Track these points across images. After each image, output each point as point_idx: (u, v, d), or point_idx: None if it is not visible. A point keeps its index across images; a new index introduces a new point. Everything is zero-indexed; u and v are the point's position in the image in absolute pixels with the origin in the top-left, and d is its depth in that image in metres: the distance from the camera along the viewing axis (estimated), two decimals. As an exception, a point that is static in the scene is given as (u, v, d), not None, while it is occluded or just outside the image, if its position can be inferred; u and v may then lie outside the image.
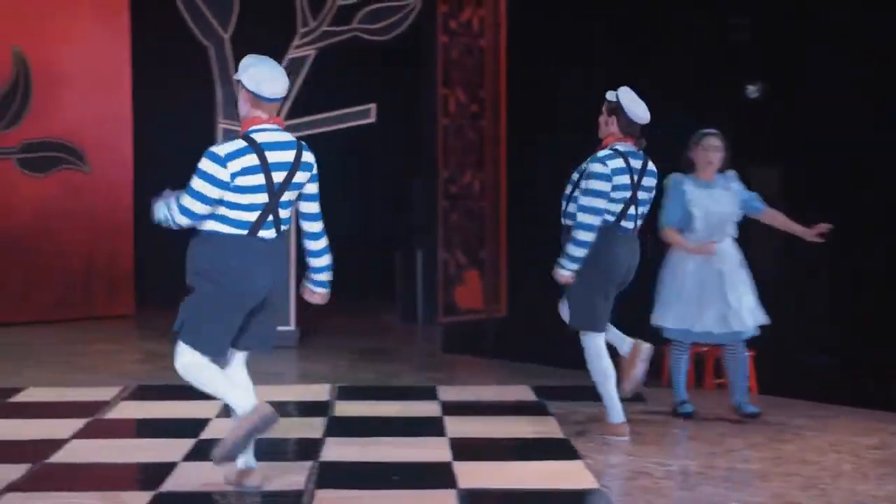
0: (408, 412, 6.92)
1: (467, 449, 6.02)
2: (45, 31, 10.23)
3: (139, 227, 10.46)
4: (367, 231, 11.86)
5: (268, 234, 4.89)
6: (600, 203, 5.97)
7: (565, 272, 6.04)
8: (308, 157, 4.97)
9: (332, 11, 9.15)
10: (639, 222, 6.16)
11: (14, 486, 5.19)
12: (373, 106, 9.26)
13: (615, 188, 6.00)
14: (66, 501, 5.05)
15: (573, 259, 6.00)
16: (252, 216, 4.83)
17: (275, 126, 4.90)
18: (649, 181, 6.15)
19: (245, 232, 4.83)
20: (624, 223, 6.10)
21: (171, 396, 7.32)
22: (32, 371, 8.05)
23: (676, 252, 6.67)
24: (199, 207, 4.78)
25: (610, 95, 6.10)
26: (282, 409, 7.06)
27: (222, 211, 4.83)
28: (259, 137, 4.83)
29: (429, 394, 7.41)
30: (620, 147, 6.07)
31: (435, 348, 9.35)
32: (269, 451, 5.96)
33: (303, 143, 5.01)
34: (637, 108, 6.04)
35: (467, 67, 9.83)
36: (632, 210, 6.10)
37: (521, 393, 7.53)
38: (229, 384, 4.99)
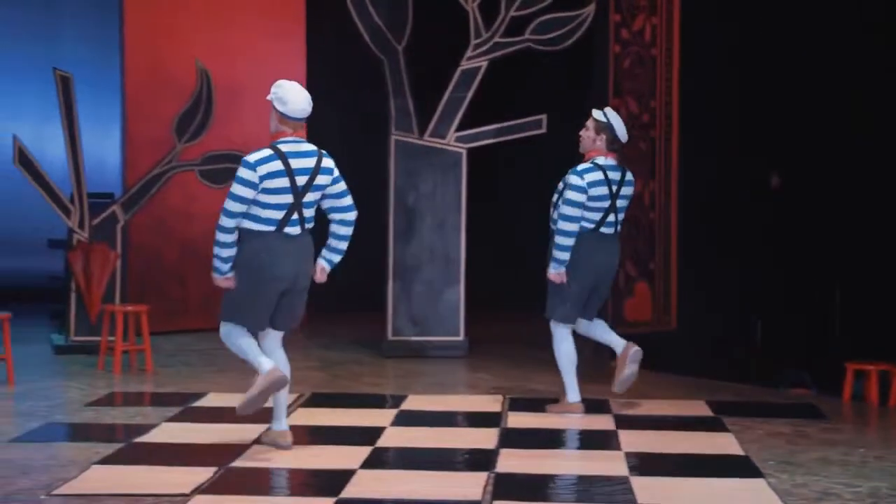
0: (581, 425, 6.87)
1: (644, 464, 5.92)
2: (225, 44, 10.54)
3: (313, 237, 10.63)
4: (537, 242, 11.83)
5: (293, 230, 5.76)
6: (576, 212, 6.75)
7: (553, 272, 6.87)
8: (327, 162, 5.84)
9: (504, 22, 9.16)
10: (619, 227, 6.95)
11: (202, 489, 5.34)
12: (544, 116, 9.22)
13: (592, 198, 6.76)
14: (251, 505, 5.17)
15: (558, 261, 6.85)
16: (279, 214, 5.71)
17: (298, 139, 5.78)
18: (627, 190, 6.91)
19: (273, 228, 5.72)
20: (603, 229, 6.87)
21: (346, 404, 7.45)
22: (213, 376, 8.28)
23: None
24: (237, 207, 5.69)
25: (598, 115, 6.84)
26: (453, 419, 7.15)
27: (255, 210, 5.70)
28: (284, 147, 5.73)
29: (602, 407, 7.33)
30: (601, 161, 6.81)
31: (604, 360, 9.24)
32: (443, 460, 6.01)
33: (323, 151, 5.85)
34: (622, 128, 6.85)
35: (638, 77, 9.70)
36: (611, 217, 6.87)
37: (696, 408, 7.38)
38: (257, 350, 5.88)
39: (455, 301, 9.39)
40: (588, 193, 6.76)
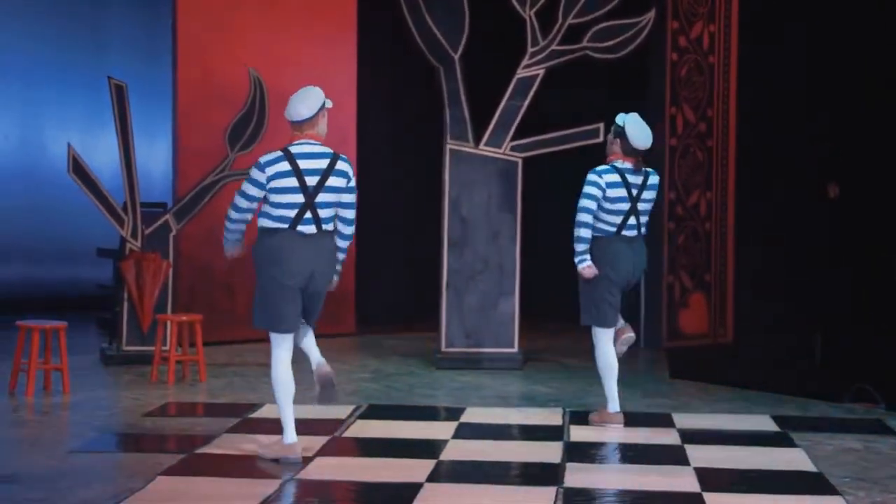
0: (646, 439, 6.73)
1: (715, 479, 5.79)
2: (276, 52, 10.48)
3: (360, 249, 10.56)
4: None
5: (307, 229, 5.88)
6: (591, 204, 6.78)
7: (581, 266, 6.85)
8: (343, 166, 5.96)
9: (562, 30, 9.04)
10: (642, 229, 6.93)
11: (268, 502, 5.26)
12: (601, 125, 9.10)
13: (609, 199, 6.78)
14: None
15: (578, 253, 6.85)
16: (291, 213, 5.85)
17: (310, 141, 5.93)
18: (650, 194, 6.91)
19: (286, 226, 5.86)
20: (625, 232, 6.86)
21: (405, 416, 7.35)
22: (267, 387, 8.12)
23: None
24: (242, 203, 5.96)
25: (618, 119, 6.85)
26: (515, 432, 7.03)
27: (268, 209, 5.89)
28: (294, 149, 5.90)
29: (665, 421, 7.20)
30: (619, 164, 6.84)
31: (660, 373, 9.11)
32: (510, 474, 5.90)
33: (340, 155, 5.99)
34: (640, 135, 6.79)
35: (696, 85, 9.57)
36: (632, 220, 6.86)
37: (762, 422, 7.24)
38: (290, 416, 6.03)
39: (509, 312, 9.26)
40: (605, 192, 6.76)
